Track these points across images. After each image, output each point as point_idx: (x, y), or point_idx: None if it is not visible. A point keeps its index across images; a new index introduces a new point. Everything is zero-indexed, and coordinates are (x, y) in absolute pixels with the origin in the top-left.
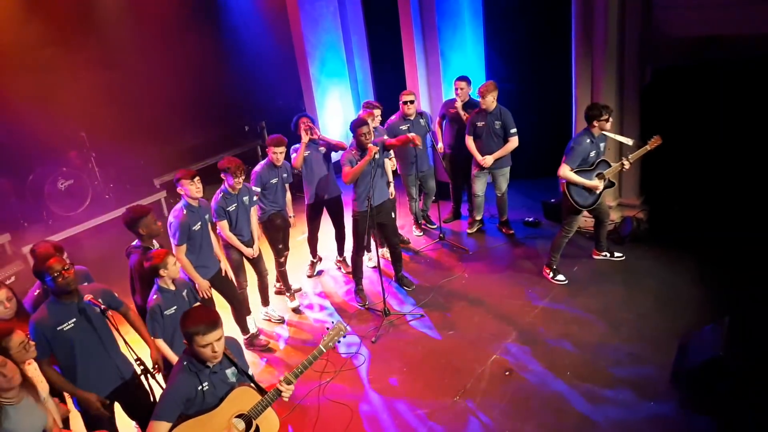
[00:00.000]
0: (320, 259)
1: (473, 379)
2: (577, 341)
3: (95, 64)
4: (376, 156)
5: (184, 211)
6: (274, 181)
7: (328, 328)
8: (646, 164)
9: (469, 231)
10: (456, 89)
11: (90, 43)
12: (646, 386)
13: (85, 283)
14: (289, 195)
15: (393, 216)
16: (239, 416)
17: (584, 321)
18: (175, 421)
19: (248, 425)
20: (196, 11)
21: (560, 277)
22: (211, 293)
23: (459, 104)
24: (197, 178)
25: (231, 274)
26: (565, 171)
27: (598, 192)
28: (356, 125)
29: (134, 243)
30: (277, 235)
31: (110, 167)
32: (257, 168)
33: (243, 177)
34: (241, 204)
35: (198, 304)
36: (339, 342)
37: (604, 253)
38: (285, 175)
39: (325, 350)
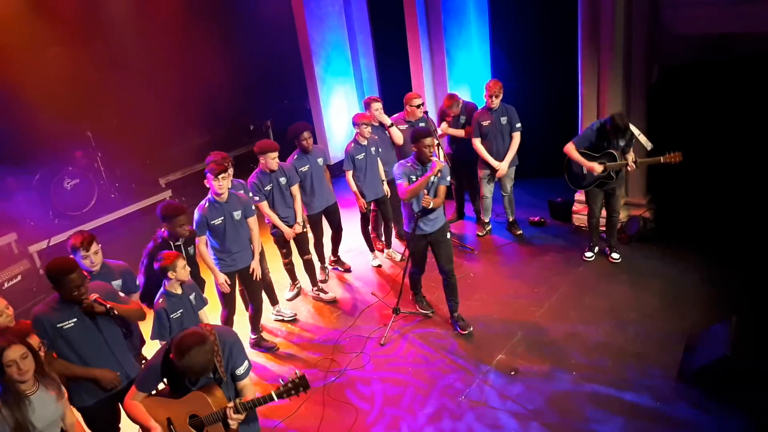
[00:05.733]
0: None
1: (479, 379)
2: (583, 341)
3: (101, 63)
4: (440, 174)
5: (206, 205)
6: (268, 187)
7: (289, 378)
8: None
9: (479, 234)
10: (446, 108)
11: (96, 43)
12: (652, 387)
13: (119, 281)
14: (298, 200)
15: (448, 236)
16: (194, 416)
17: (590, 321)
18: (149, 392)
19: (200, 428)
20: (202, 11)
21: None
22: (228, 288)
23: (445, 128)
24: (222, 175)
25: (259, 273)
26: (568, 146)
27: (592, 175)
28: (421, 135)
29: (161, 231)
30: (285, 243)
31: (116, 167)
32: (250, 179)
33: (231, 171)
34: (240, 199)
35: (199, 332)
36: (296, 395)
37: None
38: (282, 179)
39: (276, 399)
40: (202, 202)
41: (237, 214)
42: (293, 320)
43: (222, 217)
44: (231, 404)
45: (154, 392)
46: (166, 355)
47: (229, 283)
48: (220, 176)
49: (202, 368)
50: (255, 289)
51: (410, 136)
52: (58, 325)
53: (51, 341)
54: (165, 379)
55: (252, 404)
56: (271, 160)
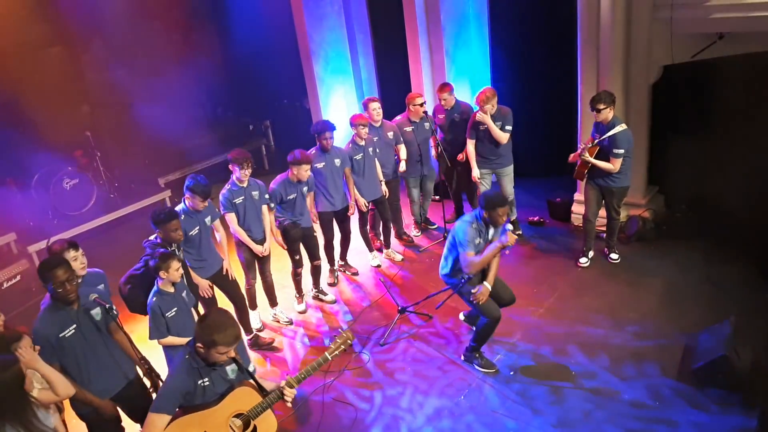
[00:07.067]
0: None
1: (478, 379)
2: (583, 341)
3: (101, 63)
4: (511, 244)
5: (182, 216)
6: (292, 196)
7: (334, 337)
8: (653, 162)
9: None
10: (439, 99)
11: (95, 42)
12: (651, 386)
13: (101, 286)
14: (309, 199)
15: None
16: (238, 416)
17: (589, 320)
18: (174, 413)
19: (246, 425)
20: (201, 10)
21: (613, 255)
22: (213, 292)
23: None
24: (209, 199)
25: (233, 273)
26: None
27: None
28: (495, 204)
29: (152, 237)
30: (295, 245)
31: (115, 167)
32: (273, 184)
33: (250, 170)
34: (249, 198)
35: (216, 307)
36: (345, 350)
37: (583, 260)
38: (305, 188)
39: (330, 358)
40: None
41: (208, 220)
42: (289, 323)
43: (198, 227)
44: (283, 382)
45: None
46: (191, 360)
47: (212, 286)
48: (207, 200)
49: (237, 337)
50: (233, 290)
51: (482, 202)
52: (60, 335)
53: (55, 353)
54: (197, 385)
55: (306, 373)
56: (304, 171)
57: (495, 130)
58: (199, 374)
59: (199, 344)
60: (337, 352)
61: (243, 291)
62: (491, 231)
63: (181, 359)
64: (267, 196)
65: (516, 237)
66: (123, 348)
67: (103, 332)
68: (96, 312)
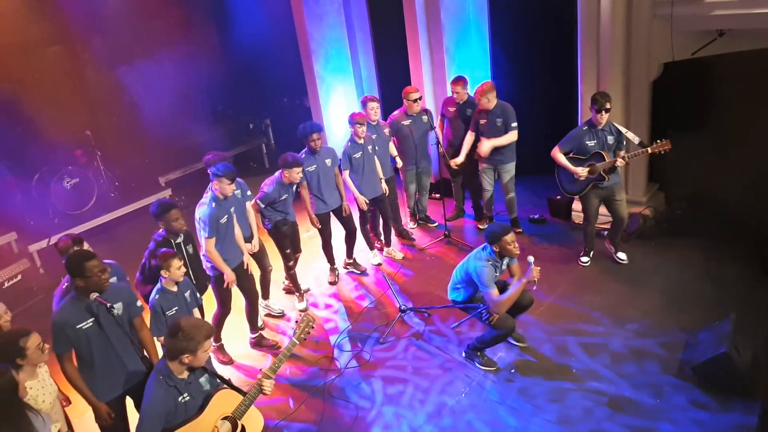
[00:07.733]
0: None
1: (479, 377)
2: (583, 339)
3: (100, 62)
4: (536, 279)
5: (213, 204)
6: (284, 197)
7: (297, 321)
8: (653, 161)
9: (481, 226)
10: (453, 92)
11: (95, 41)
12: (652, 384)
13: (114, 279)
14: (304, 192)
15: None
16: (224, 419)
17: (590, 318)
18: None
19: (234, 426)
20: (201, 9)
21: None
22: (234, 283)
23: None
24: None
25: (252, 269)
26: (554, 150)
27: (581, 180)
28: (499, 235)
29: (160, 231)
30: (284, 241)
31: (115, 166)
32: (266, 187)
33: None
34: (234, 198)
35: (195, 309)
36: (309, 333)
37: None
38: (295, 186)
39: (298, 342)
40: (206, 201)
41: (233, 210)
42: (281, 315)
43: (226, 216)
44: (260, 374)
45: None
46: (166, 380)
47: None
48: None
49: (210, 326)
50: (248, 285)
51: (487, 239)
52: (78, 327)
53: (70, 341)
54: (177, 403)
55: (279, 362)
56: (296, 174)
57: (502, 143)
58: (177, 391)
59: (184, 356)
60: (303, 335)
61: (258, 287)
62: (505, 261)
63: (155, 381)
64: (249, 192)
65: (539, 269)
66: (143, 344)
67: (123, 327)
68: (118, 306)
